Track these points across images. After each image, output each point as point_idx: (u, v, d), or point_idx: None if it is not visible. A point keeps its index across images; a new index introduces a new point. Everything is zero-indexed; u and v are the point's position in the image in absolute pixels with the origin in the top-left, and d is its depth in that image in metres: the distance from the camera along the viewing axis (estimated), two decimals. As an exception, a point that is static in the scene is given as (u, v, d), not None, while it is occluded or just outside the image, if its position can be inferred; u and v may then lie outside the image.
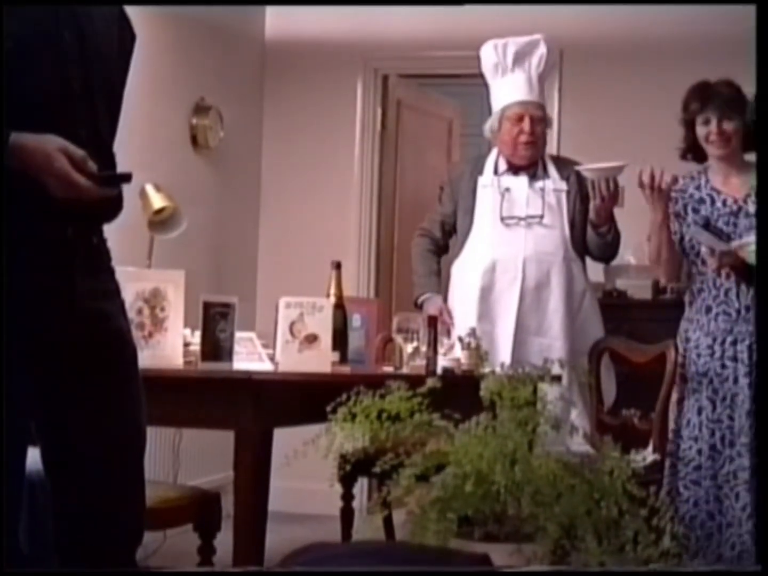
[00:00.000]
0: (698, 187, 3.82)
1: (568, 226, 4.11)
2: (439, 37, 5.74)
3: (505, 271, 4.05)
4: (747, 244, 3.54)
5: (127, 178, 2.11)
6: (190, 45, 5.32)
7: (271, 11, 6.04)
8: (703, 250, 3.72)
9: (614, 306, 4.93)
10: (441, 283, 4.28)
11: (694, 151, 3.84)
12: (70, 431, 2.17)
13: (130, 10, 2.36)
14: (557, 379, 2.65)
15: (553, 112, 5.32)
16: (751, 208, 3.67)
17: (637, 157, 4.01)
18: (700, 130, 3.76)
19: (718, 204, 3.75)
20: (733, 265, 3.61)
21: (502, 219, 4.09)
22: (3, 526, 2.02)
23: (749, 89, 3.51)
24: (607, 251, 4.18)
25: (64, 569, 2.17)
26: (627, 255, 5.10)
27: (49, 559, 2.24)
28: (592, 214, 4.03)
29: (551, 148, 5.01)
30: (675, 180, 3.86)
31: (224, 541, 3.08)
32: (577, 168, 4.04)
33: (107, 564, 2.21)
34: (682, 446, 3.75)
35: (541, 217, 4.08)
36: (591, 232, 4.08)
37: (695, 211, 3.79)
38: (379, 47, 5.89)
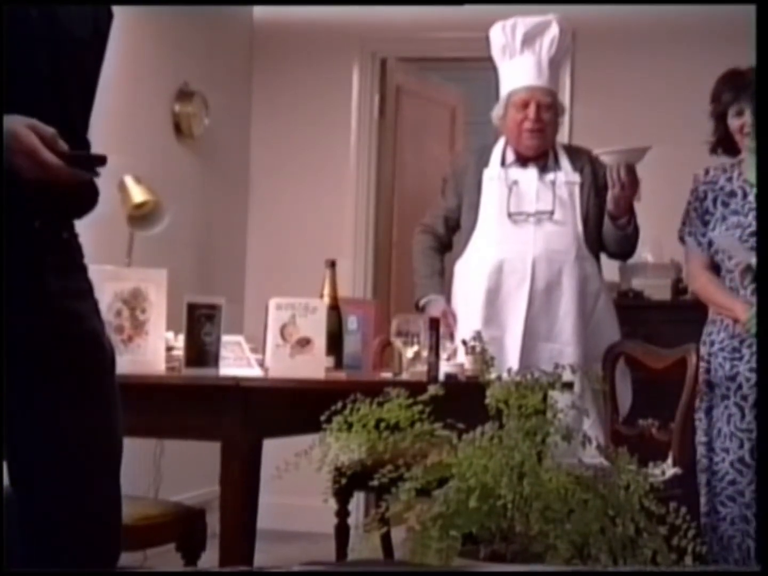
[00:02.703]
0: (730, 179, 3.83)
1: (581, 221, 4.10)
2: (441, 17, 5.74)
3: (512, 271, 4.04)
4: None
5: (100, 159, 2.11)
6: (173, 25, 5.32)
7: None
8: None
9: (630, 307, 4.93)
10: (444, 283, 4.27)
11: (725, 144, 3.85)
12: (39, 442, 2.16)
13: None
14: (569, 385, 2.64)
15: (566, 98, 5.32)
16: None
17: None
18: (733, 122, 3.77)
19: (750, 197, 3.76)
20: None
21: (510, 215, 4.08)
22: (2, 527, 2.02)
23: None
24: (626, 246, 4.16)
25: (62, 570, 2.17)
26: (644, 252, 5.10)
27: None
28: (610, 205, 4.01)
29: (563, 136, 5.01)
30: (706, 172, 3.87)
31: (209, 561, 3.08)
32: (596, 152, 4.03)
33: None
34: (715, 459, 3.75)
35: (552, 212, 4.07)
36: (609, 225, 4.06)
37: (725, 204, 3.80)
38: (376, 29, 5.89)
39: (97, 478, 2.21)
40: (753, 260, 3.64)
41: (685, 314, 4.43)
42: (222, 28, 5.83)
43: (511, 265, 4.05)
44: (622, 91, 5.62)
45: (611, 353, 4.07)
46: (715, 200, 3.83)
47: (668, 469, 3.70)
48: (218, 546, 2.88)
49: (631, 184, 3.91)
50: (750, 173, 3.81)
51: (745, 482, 3.68)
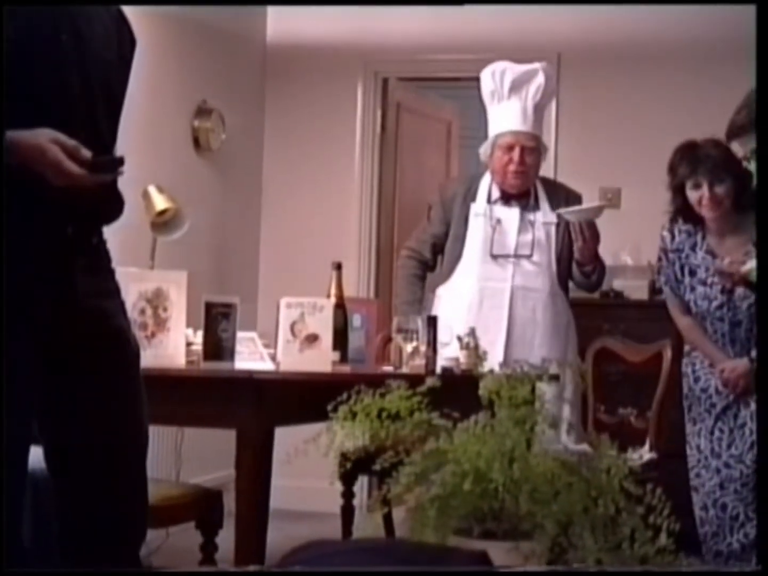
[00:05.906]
0: (693, 247, 3.74)
1: (555, 261, 4.12)
2: (437, 40, 5.74)
3: (492, 307, 4.06)
4: (749, 271, 3.49)
5: (118, 162, 2.12)
6: (193, 48, 5.32)
7: (272, 14, 6.04)
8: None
9: (611, 306, 4.94)
10: (423, 309, 4.19)
11: (684, 213, 3.73)
12: (71, 429, 2.17)
13: (131, 14, 2.36)
14: (555, 378, 2.64)
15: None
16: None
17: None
18: (691, 195, 3.66)
19: (712, 269, 3.67)
20: (735, 282, 3.60)
21: (492, 256, 4.09)
22: (3, 527, 2.02)
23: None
24: (592, 288, 4.25)
25: (64, 569, 2.17)
26: (624, 256, 5.11)
27: (51, 555, 2.23)
28: (577, 254, 4.05)
29: (548, 168, 4.90)
30: (672, 236, 3.79)
31: (226, 538, 3.08)
32: (558, 212, 4.04)
33: (111, 561, 2.21)
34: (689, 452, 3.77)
35: (530, 255, 4.08)
36: (576, 271, 4.11)
37: (692, 273, 3.74)
38: (379, 51, 5.89)
39: (125, 463, 2.22)
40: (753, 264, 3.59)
41: (660, 312, 4.42)
42: (238, 50, 5.82)
43: (491, 300, 4.06)
44: (605, 120, 5.55)
45: (593, 348, 4.07)
46: (682, 268, 3.76)
47: (645, 453, 3.70)
48: (234, 524, 2.88)
49: (592, 237, 3.96)
50: (711, 240, 3.71)
51: (707, 477, 3.65)
